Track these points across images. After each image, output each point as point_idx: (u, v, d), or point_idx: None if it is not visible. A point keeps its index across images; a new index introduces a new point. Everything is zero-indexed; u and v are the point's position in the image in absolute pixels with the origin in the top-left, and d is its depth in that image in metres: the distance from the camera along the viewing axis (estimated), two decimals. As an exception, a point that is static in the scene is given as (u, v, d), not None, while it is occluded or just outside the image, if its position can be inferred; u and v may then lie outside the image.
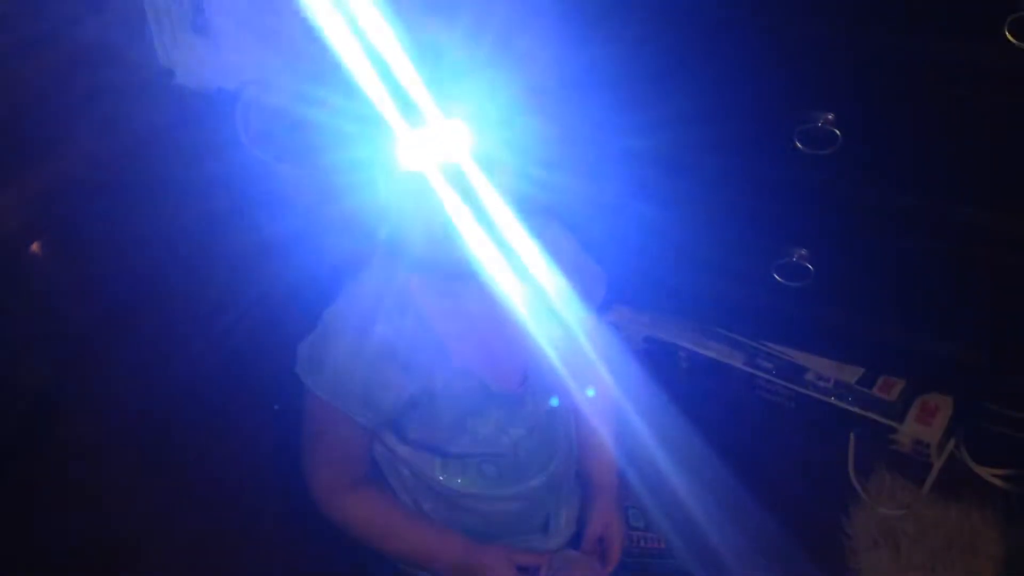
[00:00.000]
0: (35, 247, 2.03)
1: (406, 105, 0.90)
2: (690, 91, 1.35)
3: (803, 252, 1.39)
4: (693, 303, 1.61)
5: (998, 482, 1.51)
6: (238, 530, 1.51)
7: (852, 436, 1.57)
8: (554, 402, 1.15)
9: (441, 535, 1.16)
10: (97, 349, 1.79)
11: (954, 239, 1.29)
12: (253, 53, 2.20)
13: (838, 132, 1.24)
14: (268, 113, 1.95)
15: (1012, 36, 1.09)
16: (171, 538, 1.50)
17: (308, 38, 0.93)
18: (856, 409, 1.55)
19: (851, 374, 1.56)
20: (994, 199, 1.24)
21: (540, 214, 1.05)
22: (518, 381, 1.12)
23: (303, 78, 1.41)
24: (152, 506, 1.53)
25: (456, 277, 1.04)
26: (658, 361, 1.68)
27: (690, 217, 1.47)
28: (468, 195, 0.94)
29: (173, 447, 1.62)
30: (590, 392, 1.16)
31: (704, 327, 1.66)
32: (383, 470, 1.17)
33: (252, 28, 2.20)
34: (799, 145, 1.27)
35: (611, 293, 1.24)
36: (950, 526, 1.45)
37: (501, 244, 0.98)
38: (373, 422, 1.10)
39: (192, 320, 1.83)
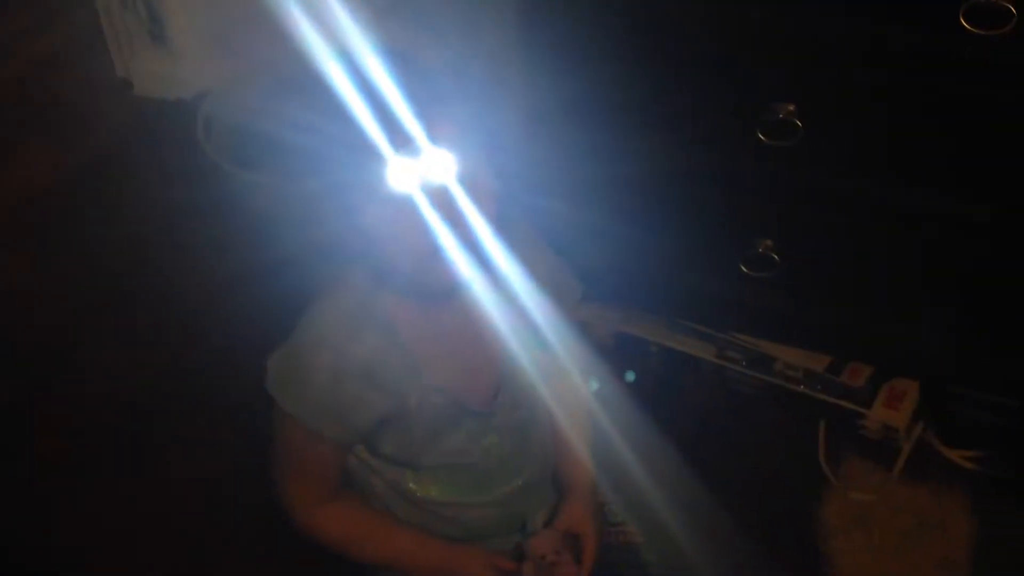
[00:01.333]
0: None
1: (393, 129, 0.91)
2: (653, 88, 1.36)
3: (769, 243, 1.41)
4: (662, 298, 1.63)
5: (966, 464, 1.53)
6: (218, 532, 1.51)
7: (822, 423, 1.59)
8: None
9: (419, 541, 1.16)
10: (62, 356, 1.78)
11: (916, 226, 1.32)
12: (212, 63, 2.18)
13: (799, 123, 1.26)
14: (232, 123, 1.94)
15: (968, 23, 1.11)
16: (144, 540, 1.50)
17: (284, 54, 0.94)
18: (825, 397, 1.58)
19: (819, 362, 1.58)
20: (956, 185, 1.26)
21: (515, 221, 1.06)
22: (490, 396, 1.13)
23: (274, 91, 1.42)
24: (128, 506, 1.53)
25: (440, 297, 1.05)
26: (629, 356, 1.69)
27: (657, 212, 1.48)
28: (454, 217, 0.95)
29: (140, 456, 1.61)
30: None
31: (674, 321, 1.67)
32: (356, 480, 1.17)
33: (211, 38, 2.19)
34: (762, 137, 1.29)
35: (578, 292, 1.24)
36: (920, 509, 1.48)
37: (485, 264, 1.00)
38: (347, 439, 1.10)
39: (157, 328, 1.82)
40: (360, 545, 1.16)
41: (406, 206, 0.95)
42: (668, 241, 1.51)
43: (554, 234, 1.20)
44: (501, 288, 1.05)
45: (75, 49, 2.31)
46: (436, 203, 0.95)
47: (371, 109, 0.90)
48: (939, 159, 1.25)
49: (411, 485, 1.14)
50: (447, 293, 1.04)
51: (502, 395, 1.13)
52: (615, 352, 1.69)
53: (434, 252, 0.96)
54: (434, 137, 0.92)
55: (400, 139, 0.92)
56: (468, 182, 0.95)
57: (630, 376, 1.28)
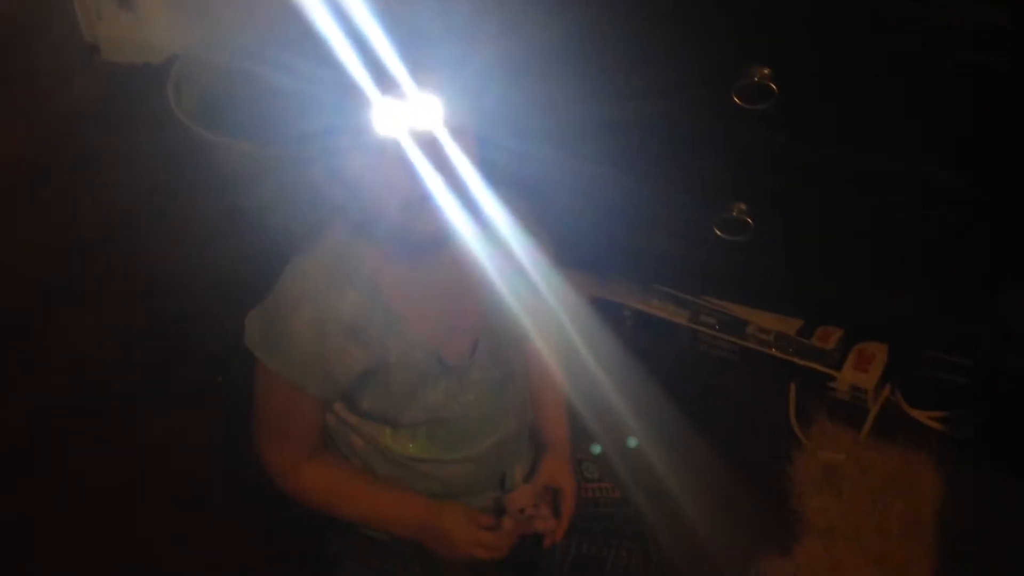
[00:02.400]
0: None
1: (379, 72, 0.90)
2: (628, 54, 1.37)
3: (743, 207, 1.42)
4: (637, 263, 1.64)
5: (933, 424, 1.57)
6: (186, 505, 1.50)
7: (793, 385, 1.62)
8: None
9: (399, 498, 1.17)
10: (28, 330, 1.75)
11: (887, 191, 1.34)
12: (181, 28, 2.16)
13: (774, 87, 1.27)
14: (204, 87, 1.92)
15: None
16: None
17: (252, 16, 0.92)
18: (796, 359, 1.60)
19: (791, 326, 1.61)
20: (926, 152, 1.28)
21: (498, 179, 1.06)
22: (469, 351, 1.13)
23: (249, 49, 1.40)
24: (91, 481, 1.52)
25: (426, 246, 1.04)
26: (604, 321, 1.70)
27: (632, 178, 1.49)
28: (441, 163, 0.95)
29: (113, 420, 1.60)
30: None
31: (648, 286, 1.69)
32: (335, 439, 1.17)
33: (178, 2, 2.17)
34: (737, 101, 1.30)
35: (556, 255, 1.25)
36: (889, 468, 1.51)
37: (473, 210, 0.99)
38: (329, 394, 1.10)
39: (131, 295, 1.81)
40: (341, 503, 1.16)
41: (393, 152, 0.94)
42: (643, 206, 1.53)
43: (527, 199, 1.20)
44: (488, 235, 1.05)
45: (41, 14, 2.27)
46: (423, 148, 0.94)
47: (357, 53, 0.89)
48: (912, 127, 1.27)
49: (390, 442, 1.14)
50: (434, 242, 1.03)
51: (480, 351, 1.14)
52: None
53: (421, 199, 0.96)
54: (420, 81, 0.92)
55: (386, 83, 0.91)
56: (454, 127, 0.95)
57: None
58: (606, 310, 1.71)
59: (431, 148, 0.95)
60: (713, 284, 1.61)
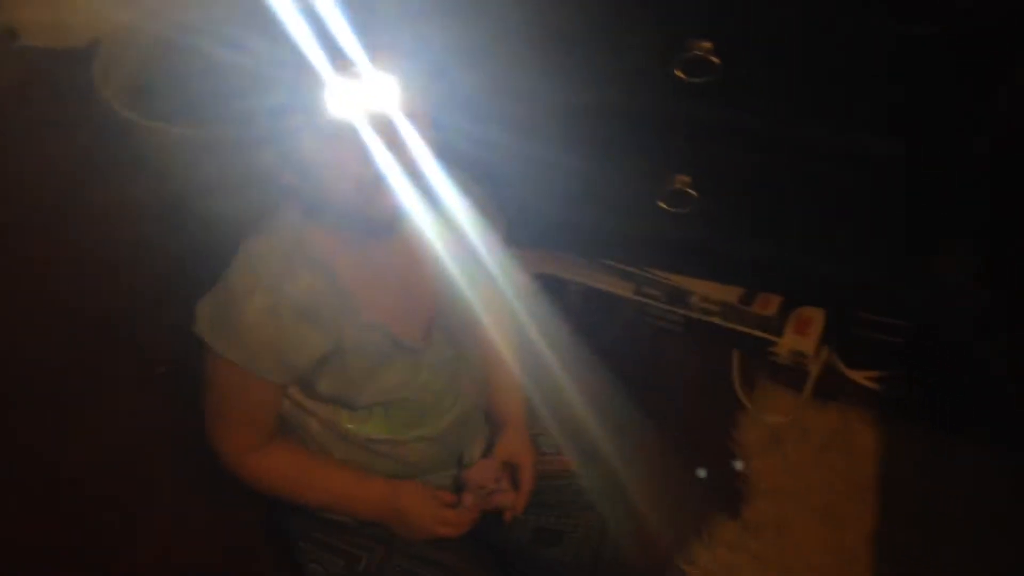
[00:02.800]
0: None
1: (335, 54, 0.89)
2: (571, 32, 1.37)
3: (686, 179, 1.45)
4: (582, 238, 1.66)
5: (870, 384, 1.63)
6: (133, 500, 1.48)
7: (736, 352, 1.66)
8: None
9: (359, 480, 1.17)
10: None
11: (824, 159, 1.37)
12: (106, 7, 2.10)
13: (717, 60, 1.29)
14: (134, 71, 1.87)
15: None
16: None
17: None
18: (739, 327, 1.64)
19: (732, 294, 1.65)
20: (862, 120, 1.32)
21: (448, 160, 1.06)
22: (424, 332, 1.14)
23: (203, 23, 1.35)
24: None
25: (379, 229, 1.04)
26: (549, 297, 1.72)
27: (576, 155, 1.50)
28: (397, 145, 0.94)
29: (49, 417, 1.57)
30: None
31: (594, 260, 1.71)
32: (290, 424, 1.16)
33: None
34: (679, 75, 1.32)
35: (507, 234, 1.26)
36: (830, 427, 1.57)
37: (426, 192, 0.99)
38: (285, 379, 1.09)
39: (64, 290, 1.77)
40: (299, 488, 1.16)
41: (348, 134, 0.93)
42: (588, 181, 1.54)
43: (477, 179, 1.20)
44: (440, 216, 1.06)
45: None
46: (378, 130, 0.93)
47: (312, 32, 0.88)
48: (848, 94, 1.30)
49: (348, 424, 1.14)
50: (388, 224, 1.03)
51: (435, 331, 1.15)
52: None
53: (376, 181, 0.95)
54: (376, 61, 0.91)
55: (342, 63, 0.90)
56: (409, 109, 0.95)
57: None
58: (552, 286, 1.73)
59: (386, 130, 0.94)
60: (658, 256, 1.64)
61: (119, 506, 1.48)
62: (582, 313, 1.72)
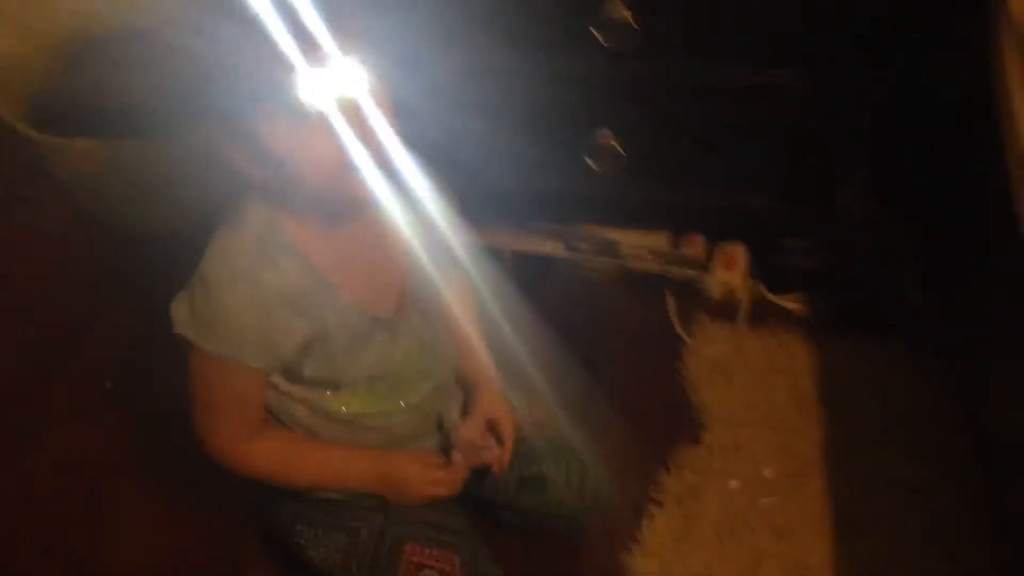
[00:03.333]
0: None
1: (304, 40, 0.89)
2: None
3: (608, 132, 1.51)
4: (510, 204, 1.70)
5: (796, 306, 1.73)
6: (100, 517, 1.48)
7: (670, 293, 1.74)
8: None
9: (350, 456, 1.20)
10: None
11: (740, 99, 1.45)
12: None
13: (630, 18, 1.35)
14: (42, 89, 1.81)
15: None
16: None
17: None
18: (669, 269, 1.72)
19: (659, 239, 1.72)
20: (775, 60, 1.40)
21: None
22: (397, 306, 1.17)
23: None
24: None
25: (348, 214, 1.07)
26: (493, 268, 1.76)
27: (497, 120, 1.54)
28: (366, 132, 0.96)
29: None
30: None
31: (520, 225, 1.76)
32: (275, 412, 1.18)
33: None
34: (594, 32, 1.37)
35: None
36: (768, 352, 1.67)
37: (394, 177, 1.01)
38: (274, 367, 1.10)
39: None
40: (292, 471, 1.19)
41: (317, 121, 0.94)
42: (512, 147, 1.57)
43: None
44: (404, 199, 1.08)
45: None
46: (348, 117, 0.95)
47: (280, 18, 0.88)
48: (763, 37, 1.38)
49: (333, 404, 1.17)
50: (357, 210, 1.05)
51: (407, 303, 1.18)
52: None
53: (346, 168, 0.97)
54: (345, 48, 0.93)
55: (311, 49, 0.91)
56: (376, 95, 0.97)
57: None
58: (488, 256, 1.77)
59: (356, 117, 0.96)
60: (588, 212, 1.70)
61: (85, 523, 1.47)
62: (520, 279, 1.76)
